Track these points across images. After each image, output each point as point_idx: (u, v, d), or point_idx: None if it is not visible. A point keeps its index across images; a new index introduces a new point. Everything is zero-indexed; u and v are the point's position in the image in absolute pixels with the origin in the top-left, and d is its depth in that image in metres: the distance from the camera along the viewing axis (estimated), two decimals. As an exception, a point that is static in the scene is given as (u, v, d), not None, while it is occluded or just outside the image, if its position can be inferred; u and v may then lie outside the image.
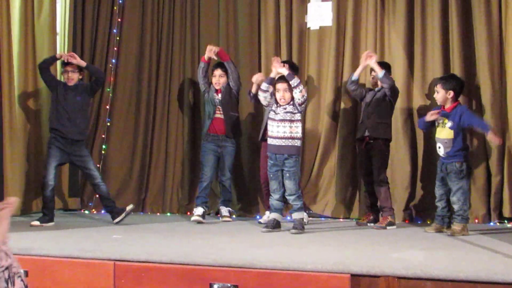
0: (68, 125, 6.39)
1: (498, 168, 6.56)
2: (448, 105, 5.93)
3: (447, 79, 6.07)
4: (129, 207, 6.50)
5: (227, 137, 6.92)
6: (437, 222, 5.95)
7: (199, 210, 6.72)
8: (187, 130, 7.71)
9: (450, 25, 6.88)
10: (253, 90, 6.70)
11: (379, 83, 6.39)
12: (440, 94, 5.95)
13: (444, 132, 5.86)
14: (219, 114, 6.97)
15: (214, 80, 7.01)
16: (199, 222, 6.54)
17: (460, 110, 5.85)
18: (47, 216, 6.23)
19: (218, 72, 6.98)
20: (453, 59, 6.83)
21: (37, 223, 6.11)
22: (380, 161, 6.38)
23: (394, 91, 6.43)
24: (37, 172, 7.05)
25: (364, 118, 6.54)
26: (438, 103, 6.05)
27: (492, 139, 5.86)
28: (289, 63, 6.61)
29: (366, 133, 6.46)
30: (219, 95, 6.98)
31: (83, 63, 6.51)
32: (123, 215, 6.38)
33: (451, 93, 5.90)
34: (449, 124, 5.83)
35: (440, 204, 5.94)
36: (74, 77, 6.44)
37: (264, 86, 5.96)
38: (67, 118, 6.39)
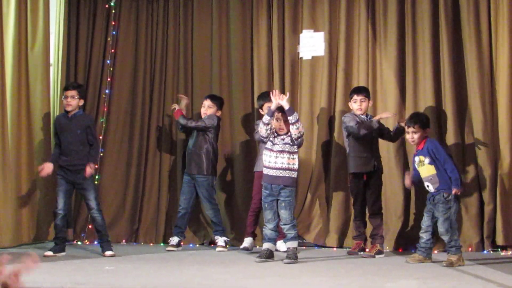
0: (68, 155, 6.36)
1: (491, 197, 6.60)
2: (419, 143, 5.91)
3: (411, 118, 5.98)
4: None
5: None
6: (420, 254, 5.86)
7: (174, 240, 6.90)
8: (180, 160, 7.71)
9: (441, 54, 6.95)
10: None
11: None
12: (417, 135, 5.87)
13: (426, 169, 5.82)
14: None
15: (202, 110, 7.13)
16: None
17: (431, 145, 5.81)
18: (58, 245, 6.26)
19: (207, 102, 7.09)
20: (445, 88, 6.90)
21: (50, 253, 6.14)
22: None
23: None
24: (32, 206, 7.08)
25: None
26: (413, 144, 6.00)
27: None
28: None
29: None
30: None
31: None
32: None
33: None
34: (427, 160, 5.81)
35: (425, 236, 5.86)
36: (73, 103, 6.39)
37: (265, 119, 5.93)
38: (66, 147, 6.37)
